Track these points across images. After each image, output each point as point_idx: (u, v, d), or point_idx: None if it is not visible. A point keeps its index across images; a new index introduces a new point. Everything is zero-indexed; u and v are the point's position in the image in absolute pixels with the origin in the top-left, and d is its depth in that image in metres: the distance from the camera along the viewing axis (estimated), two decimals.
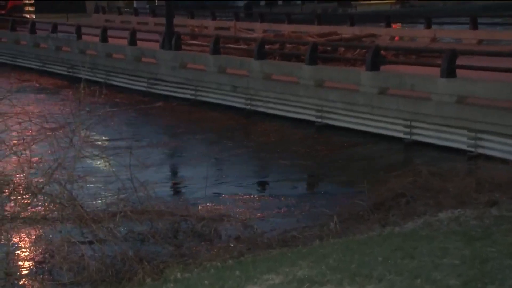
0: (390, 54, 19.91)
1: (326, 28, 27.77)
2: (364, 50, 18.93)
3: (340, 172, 13.96)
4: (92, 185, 10.48)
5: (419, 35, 27.99)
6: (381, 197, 10.09)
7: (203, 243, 8.99)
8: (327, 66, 18.68)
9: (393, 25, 31.47)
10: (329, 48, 20.81)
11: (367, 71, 16.29)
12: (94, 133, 12.73)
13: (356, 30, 27.33)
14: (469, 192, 9.59)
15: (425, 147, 14.88)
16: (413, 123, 15.27)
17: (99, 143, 14.84)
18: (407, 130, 15.40)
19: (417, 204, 9.52)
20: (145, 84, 23.68)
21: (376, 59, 16.43)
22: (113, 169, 9.62)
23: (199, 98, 21.34)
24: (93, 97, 9.80)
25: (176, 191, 12.93)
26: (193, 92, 21.58)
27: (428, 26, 27.57)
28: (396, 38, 27.93)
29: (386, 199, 9.96)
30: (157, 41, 23.32)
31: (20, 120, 9.07)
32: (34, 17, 40.16)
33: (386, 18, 29.62)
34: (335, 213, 9.81)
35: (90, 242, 8.29)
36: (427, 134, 15.06)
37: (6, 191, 8.11)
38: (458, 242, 6.99)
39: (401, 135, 15.55)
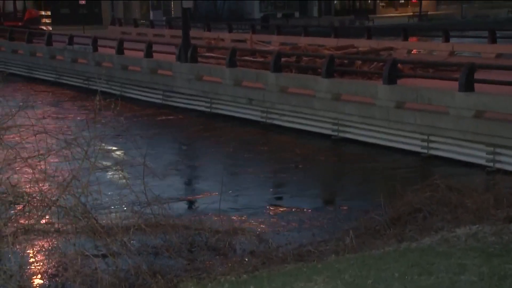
0: (407, 67, 19.80)
1: (343, 41, 27.73)
2: (381, 64, 18.85)
3: (357, 186, 13.84)
4: (106, 197, 10.44)
5: (437, 48, 27.89)
6: (398, 212, 9.96)
7: (217, 257, 8.91)
8: (344, 79, 18.62)
9: (411, 39, 31.37)
10: (346, 61, 20.75)
11: (384, 85, 16.20)
12: (109, 145, 12.73)
13: (373, 43, 27.27)
14: (487, 208, 9.44)
15: (442, 162, 14.74)
16: (431, 137, 15.14)
17: (114, 155, 14.82)
18: (425, 144, 15.27)
19: (434, 220, 9.39)
20: (160, 96, 23.73)
21: (393, 73, 16.34)
22: (128, 181, 9.58)
23: (214, 110, 21.33)
24: (108, 109, 9.78)
25: (191, 204, 12.87)
26: (208, 104, 21.58)
27: (446, 40, 27.44)
28: (414, 52, 27.81)
29: (403, 213, 9.83)
30: (173, 53, 23.38)
31: (36, 132, 9.05)
32: (51, 29, 40.53)
33: (403, 31, 29.54)
34: (351, 227, 9.70)
35: (104, 256, 8.23)
36: (445, 149, 14.92)
37: (21, 203, 8.08)
38: (476, 259, 6.86)
39: (418, 149, 15.42)
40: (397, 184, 12.70)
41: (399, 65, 17.42)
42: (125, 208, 10.10)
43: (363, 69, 19.94)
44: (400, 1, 77.66)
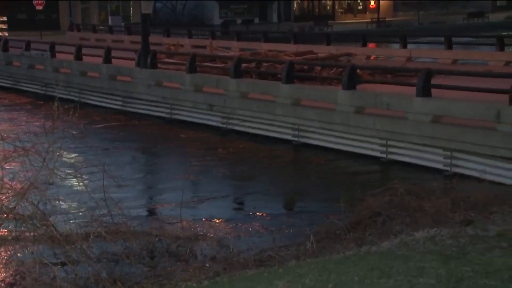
0: (366, 73, 20.02)
1: (302, 47, 27.89)
2: (340, 69, 19.01)
3: (317, 191, 13.94)
4: (65, 205, 10.31)
5: (395, 54, 28.26)
6: (358, 216, 10.06)
7: (178, 263, 8.87)
8: (304, 84, 18.73)
9: (369, 44, 31.74)
10: (305, 67, 20.89)
11: (344, 90, 16.35)
12: (67, 152, 12.57)
13: (333, 49, 27.49)
14: (445, 211, 9.60)
15: (401, 166, 14.94)
16: (390, 142, 15.33)
17: (73, 162, 14.64)
18: (384, 149, 15.45)
19: (393, 223, 9.51)
20: (120, 103, 23.55)
21: (352, 78, 16.51)
22: (87, 188, 9.48)
23: (175, 116, 21.25)
24: (67, 115, 9.67)
25: (151, 210, 12.79)
26: (168, 110, 21.49)
27: (404, 46, 27.83)
28: (372, 57, 28.14)
29: (363, 218, 9.93)
30: (132, 59, 23.23)
31: None
32: (7, 34, 39.84)
33: (362, 37, 29.87)
34: (311, 232, 9.76)
35: (63, 263, 8.12)
36: (404, 153, 15.13)
37: None
38: (434, 262, 6.98)
39: (377, 154, 15.60)
40: (357, 188, 12.85)
41: (358, 70, 17.61)
42: (84, 215, 9.99)
43: (323, 74, 20.09)
44: (359, 8, 78.52)
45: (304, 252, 8.71)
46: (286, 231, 10.83)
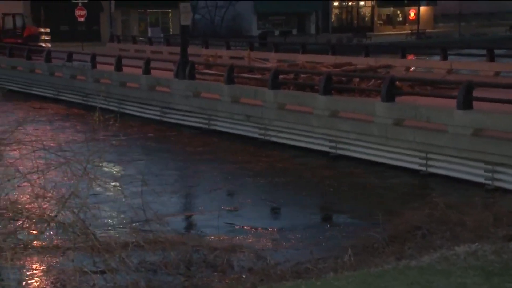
0: (405, 85, 19.84)
1: (340, 59, 27.82)
2: (379, 81, 18.90)
3: (355, 203, 13.83)
4: (105, 214, 10.42)
5: (435, 66, 27.97)
6: (396, 230, 9.96)
7: (215, 274, 8.89)
8: (342, 96, 18.66)
9: (408, 56, 31.49)
10: (343, 79, 20.82)
11: (382, 102, 16.23)
12: (108, 161, 12.72)
13: (371, 61, 27.35)
14: (487, 226, 9.44)
15: (441, 180, 14.73)
16: (429, 155, 15.15)
17: (113, 171, 14.81)
18: (423, 162, 15.27)
19: (433, 238, 9.38)
20: (158, 113, 23.76)
21: (391, 90, 16.38)
22: (126, 198, 9.57)
23: (212, 127, 21.35)
24: (107, 125, 9.79)
25: (189, 220, 12.84)
26: (206, 121, 21.60)
27: (444, 58, 27.54)
28: (411, 69, 27.91)
29: (401, 231, 9.82)
30: (171, 70, 23.44)
31: (35, 149, 9.05)
32: (50, 46, 40.59)
33: (401, 49, 29.65)
34: (349, 245, 9.68)
35: (102, 272, 8.20)
36: (444, 166, 14.92)
37: (20, 219, 8.06)
38: (476, 277, 6.85)
39: (416, 166, 15.42)
40: (395, 201, 12.72)
41: (397, 82, 17.47)
42: (122, 224, 10.08)
43: (361, 86, 19.99)
44: (398, 19, 78.06)
45: (341, 265, 8.63)
46: (323, 244, 10.76)
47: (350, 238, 10.48)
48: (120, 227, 9.93)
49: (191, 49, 27.26)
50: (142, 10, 59.40)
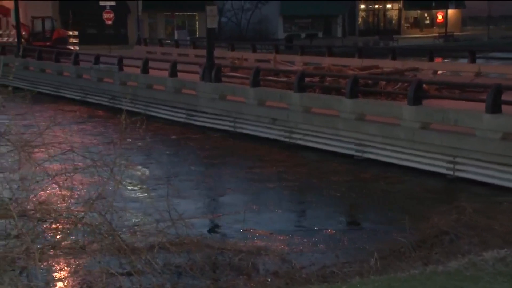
0: (432, 88, 19.70)
1: (367, 62, 27.67)
2: (406, 84, 18.76)
3: (381, 207, 13.73)
4: (131, 215, 10.47)
5: (463, 69, 27.68)
6: (423, 234, 9.87)
7: (240, 277, 8.88)
8: (368, 99, 18.56)
9: (436, 59, 31.22)
10: (370, 82, 20.70)
11: (409, 105, 16.12)
12: (134, 163, 12.79)
13: (398, 64, 27.16)
14: None
15: (469, 184, 14.57)
16: (457, 159, 15.00)
17: (139, 174, 14.89)
18: (451, 166, 15.12)
19: (461, 243, 9.28)
20: (184, 115, 23.85)
21: (418, 93, 16.26)
22: (152, 200, 9.62)
23: (238, 130, 21.38)
24: (133, 128, 9.84)
25: (213, 223, 12.86)
26: (232, 124, 21.64)
27: (472, 61, 27.26)
28: (439, 73, 27.66)
29: (428, 236, 9.74)
30: (197, 72, 23.53)
31: (63, 151, 9.13)
32: (78, 48, 41.01)
33: (428, 52, 29.40)
34: (375, 249, 9.61)
35: (129, 274, 8.23)
36: (471, 171, 14.76)
37: (48, 220, 8.14)
38: (505, 284, 6.77)
39: (444, 171, 15.27)
40: (422, 206, 12.61)
41: (424, 85, 17.33)
42: (148, 225, 10.11)
43: (388, 89, 19.86)
44: (426, 22, 77.49)
45: (367, 269, 8.59)
46: (349, 248, 10.69)
47: (376, 242, 10.41)
48: (146, 229, 9.97)
49: (217, 52, 27.36)
50: (169, 13, 59.78)
